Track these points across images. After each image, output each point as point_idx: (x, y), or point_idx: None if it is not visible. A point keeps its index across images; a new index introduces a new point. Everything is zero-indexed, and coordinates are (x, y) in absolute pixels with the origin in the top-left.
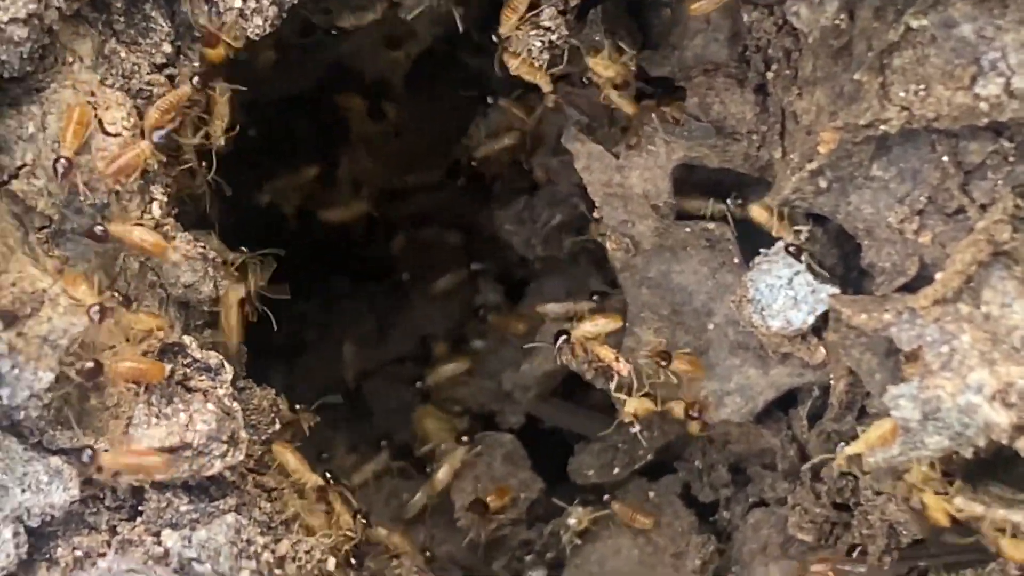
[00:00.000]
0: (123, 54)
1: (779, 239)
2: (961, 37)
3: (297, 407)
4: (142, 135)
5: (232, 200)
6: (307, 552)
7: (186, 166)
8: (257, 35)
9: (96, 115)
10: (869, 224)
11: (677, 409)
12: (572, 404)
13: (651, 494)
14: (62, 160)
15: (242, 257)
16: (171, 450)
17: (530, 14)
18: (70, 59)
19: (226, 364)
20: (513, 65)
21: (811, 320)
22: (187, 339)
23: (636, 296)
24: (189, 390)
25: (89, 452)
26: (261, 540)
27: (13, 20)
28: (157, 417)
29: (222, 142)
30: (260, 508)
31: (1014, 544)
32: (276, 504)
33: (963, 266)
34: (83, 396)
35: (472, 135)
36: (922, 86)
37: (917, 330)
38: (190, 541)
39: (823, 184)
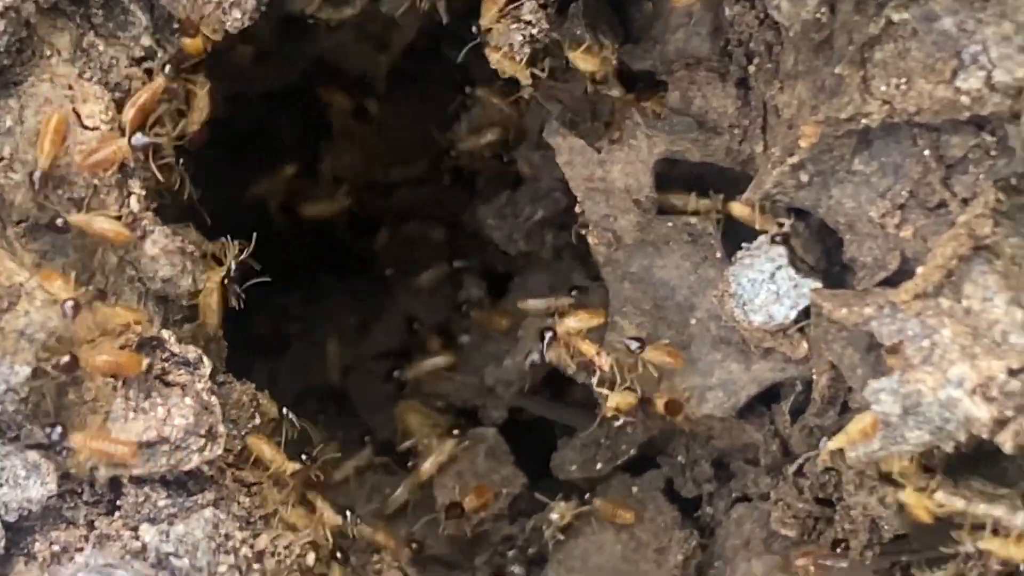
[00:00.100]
0: (101, 47)
1: (761, 234)
2: (942, 30)
3: (284, 411)
4: (120, 128)
5: (217, 195)
6: (286, 547)
7: (165, 161)
8: (236, 28)
9: (74, 108)
10: (850, 218)
11: (660, 403)
12: (555, 398)
13: (634, 489)
14: (39, 173)
15: (221, 247)
16: (148, 444)
17: (511, 7)
18: (48, 52)
19: (204, 359)
20: (494, 59)
21: (793, 314)
22: (165, 333)
23: (618, 291)
24: (167, 384)
25: (60, 429)
26: (239, 535)
27: None
28: (135, 411)
29: (196, 127)
30: (239, 503)
31: (995, 540)
32: (255, 499)
33: (944, 260)
34: (61, 390)
35: (455, 130)
36: (903, 80)
37: (898, 324)
38: (168, 536)
39: (804, 178)
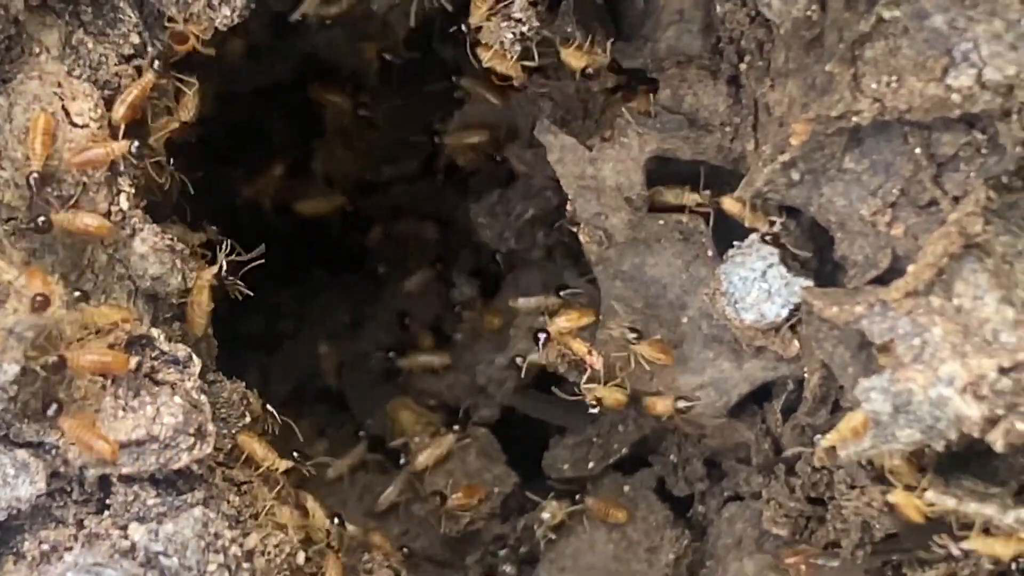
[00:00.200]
0: (90, 45)
1: (752, 232)
2: (933, 28)
3: (265, 406)
4: (110, 126)
5: (207, 192)
6: (276, 546)
7: (155, 159)
8: (225, 25)
9: (63, 106)
10: (842, 216)
11: (661, 405)
12: (548, 396)
13: (626, 488)
14: (34, 175)
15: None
16: (137, 443)
17: (500, 5)
18: (37, 50)
19: (194, 357)
20: (485, 57)
21: (785, 313)
22: (155, 332)
23: (610, 289)
24: (156, 383)
25: (56, 407)
26: (229, 534)
27: None
28: (124, 410)
29: (180, 124)
30: (228, 502)
31: (978, 539)
32: (245, 498)
33: (935, 258)
34: (50, 390)
35: (446, 125)
36: (894, 77)
37: (889, 323)
38: (157, 535)
39: (795, 176)
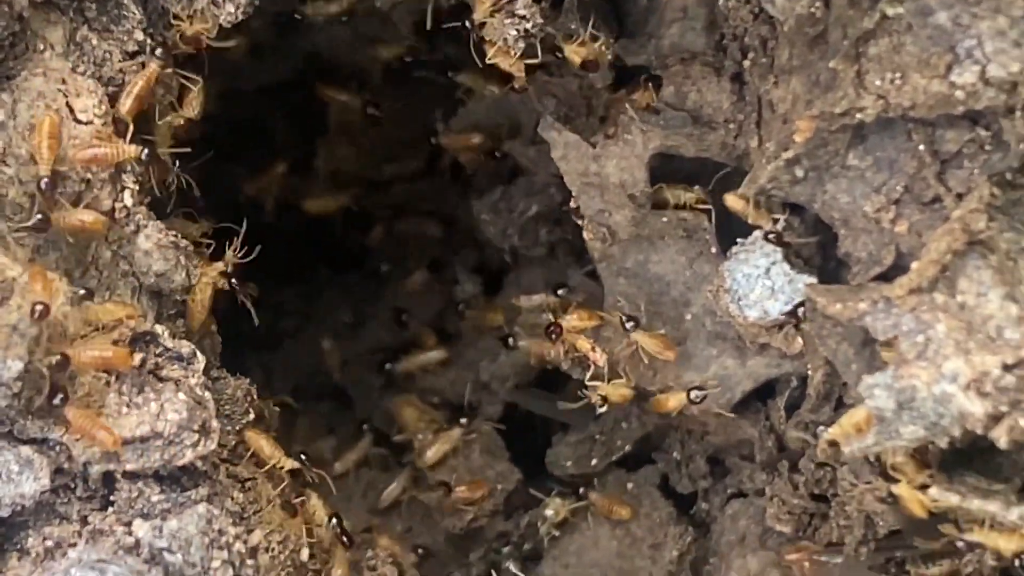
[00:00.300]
0: (95, 41)
1: (756, 229)
2: (937, 25)
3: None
4: (115, 122)
5: (211, 190)
6: (280, 543)
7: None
8: (229, 22)
9: (67, 103)
10: (845, 213)
11: (673, 400)
12: (550, 393)
13: (629, 485)
14: (44, 180)
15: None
16: (141, 439)
17: (504, 2)
18: (41, 47)
19: (198, 354)
20: (489, 53)
21: (788, 310)
22: (159, 328)
23: (613, 286)
24: (160, 379)
25: (62, 396)
26: (233, 530)
27: None
28: (128, 406)
29: (189, 116)
30: (232, 498)
31: (987, 532)
32: (249, 494)
33: (939, 255)
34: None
35: (444, 126)
36: (898, 74)
37: (893, 319)
38: (161, 531)
39: (799, 173)
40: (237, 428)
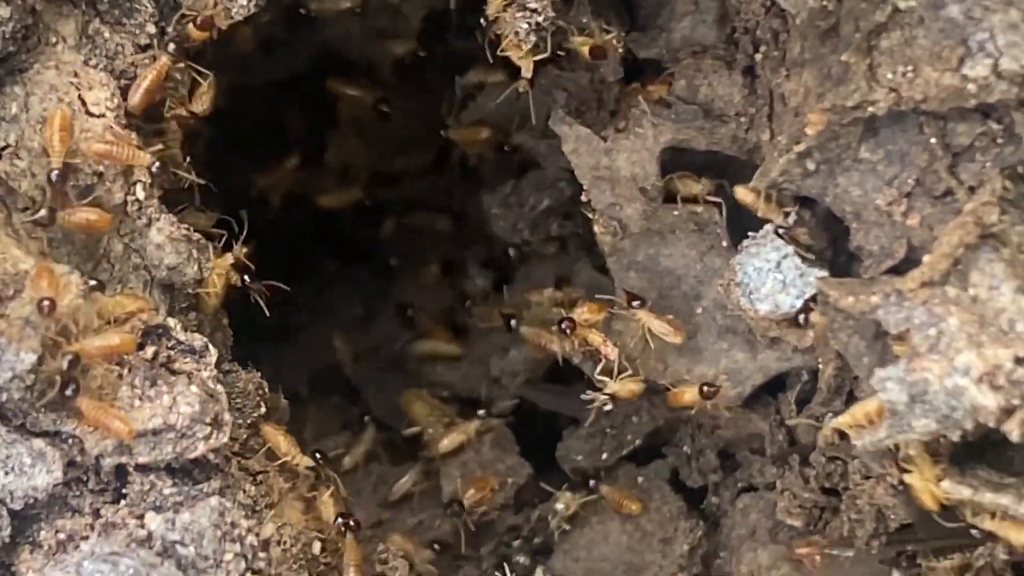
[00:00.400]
0: (107, 34)
1: (767, 222)
2: (949, 18)
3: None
4: (127, 115)
5: (221, 183)
6: (292, 536)
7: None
8: (241, 15)
9: (80, 96)
10: (857, 207)
11: (689, 395)
12: (561, 387)
13: (640, 479)
14: (55, 171)
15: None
16: (154, 432)
17: None
18: (53, 40)
19: (210, 347)
20: (503, 44)
21: (799, 304)
22: (171, 321)
23: (624, 280)
24: (173, 372)
25: (74, 387)
26: (245, 523)
27: None
28: (140, 399)
29: (199, 111)
30: (244, 491)
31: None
32: (261, 487)
33: (951, 248)
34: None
35: (454, 120)
36: (910, 67)
37: (905, 313)
38: (174, 524)
39: (811, 166)
40: (249, 421)
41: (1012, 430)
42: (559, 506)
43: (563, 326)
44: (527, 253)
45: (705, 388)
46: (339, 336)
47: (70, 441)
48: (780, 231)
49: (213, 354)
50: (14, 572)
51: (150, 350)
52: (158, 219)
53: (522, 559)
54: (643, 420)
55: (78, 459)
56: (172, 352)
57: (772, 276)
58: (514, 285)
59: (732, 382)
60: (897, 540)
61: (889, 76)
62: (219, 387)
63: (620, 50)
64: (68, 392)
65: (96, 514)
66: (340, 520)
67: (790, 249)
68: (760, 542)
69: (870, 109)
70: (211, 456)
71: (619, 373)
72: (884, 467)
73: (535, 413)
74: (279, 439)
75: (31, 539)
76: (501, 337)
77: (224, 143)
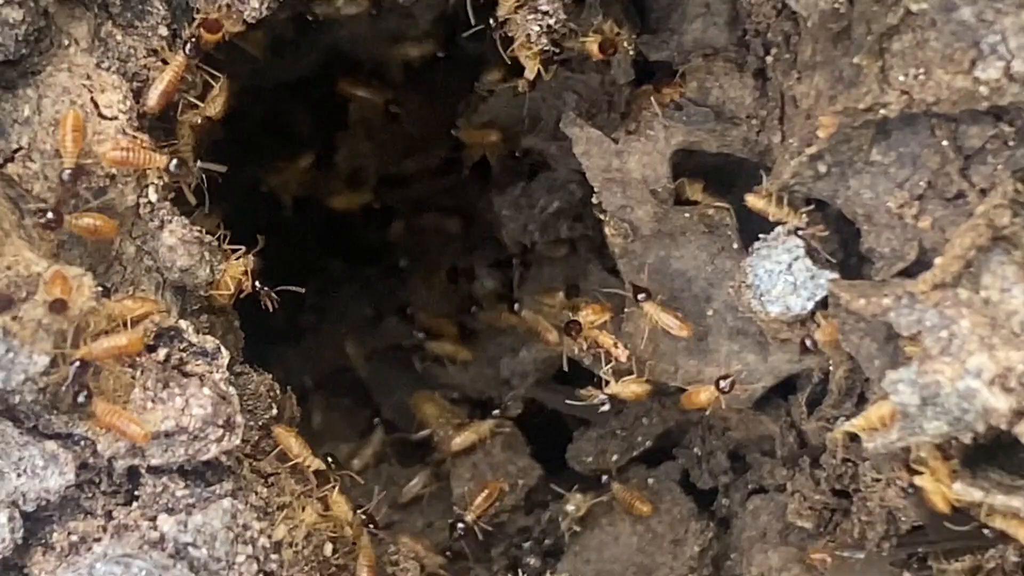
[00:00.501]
0: (119, 37)
1: (778, 224)
2: (961, 20)
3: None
4: (140, 117)
5: (230, 184)
6: (304, 538)
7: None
8: (253, 18)
9: (92, 98)
10: (868, 209)
11: (705, 394)
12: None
13: (650, 481)
14: (67, 171)
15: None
16: (166, 434)
17: None
18: (66, 42)
19: (222, 349)
20: (515, 45)
21: (810, 306)
22: (183, 323)
23: (635, 282)
24: (185, 375)
25: (87, 393)
26: (257, 525)
27: (8, 2)
28: (153, 401)
29: (211, 115)
30: (257, 493)
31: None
32: (273, 489)
33: (962, 251)
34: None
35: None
36: (922, 70)
37: (916, 315)
38: (186, 526)
39: (822, 169)
40: (260, 423)
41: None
42: (569, 507)
43: (569, 329)
44: (536, 257)
45: (721, 381)
46: (351, 341)
47: (82, 443)
48: (798, 232)
49: (225, 356)
50: (27, 574)
51: (162, 352)
52: (170, 221)
53: (533, 561)
54: (653, 422)
55: (90, 461)
56: (184, 354)
57: (783, 278)
58: (524, 287)
59: (742, 384)
60: (908, 542)
61: (901, 78)
62: (231, 389)
63: (631, 52)
64: (80, 399)
65: (108, 516)
66: (361, 514)
67: (801, 251)
68: (770, 544)
69: (882, 111)
70: (223, 458)
71: (627, 375)
72: (895, 469)
73: (545, 414)
74: (291, 441)
75: (43, 541)
76: (511, 338)
77: (232, 144)
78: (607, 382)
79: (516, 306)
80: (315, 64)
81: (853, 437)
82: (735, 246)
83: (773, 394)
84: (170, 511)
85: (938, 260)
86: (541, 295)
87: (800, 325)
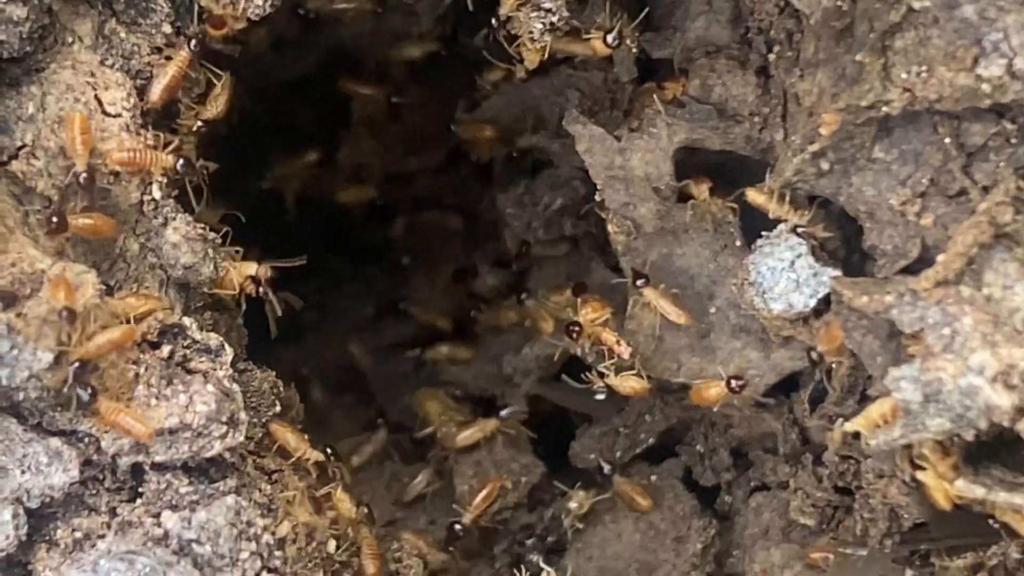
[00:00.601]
0: (123, 34)
1: (780, 222)
2: (963, 18)
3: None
4: (143, 114)
5: (233, 182)
6: (308, 534)
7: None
8: (257, 16)
9: (96, 95)
10: (871, 206)
11: (715, 390)
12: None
13: (653, 478)
14: (83, 176)
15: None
16: (170, 431)
17: None
18: (70, 39)
19: (226, 346)
20: (518, 41)
21: (813, 303)
22: (187, 320)
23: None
24: (189, 372)
25: (90, 391)
26: (261, 522)
27: (12, 0)
28: (157, 398)
29: (214, 114)
30: (260, 490)
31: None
32: (276, 486)
33: (965, 248)
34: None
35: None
36: (924, 67)
37: (919, 312)
38: (190, 523)
39: (825, 166)
40: (264, 420)
41: None
42: (572, 505)
43: (570, 330)
44: (539, 252)
45: (733, 381)
46: (355, 343)
47: (86, 440)
48: (800, 230)
49: (229, 353)
50: (31, 570)
51: (166, 349)
52: (174, 218)
53: (535, 558)
54: (656, 419)
55: (94, 458)
56: (188, 351)
57: (786, 275)
58: (526, 285)
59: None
60: (910, 539)
61: (903, 76)
62: (235, 386)
63: (634, 49)
64: (84, 397)
65: (112, 513)
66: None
67: (804, 249)
68: (773, 541)
69: (884, 109)
70: (227, 455)
71: (626, 370)
72: (898, 464)
73: (548, 412)
74: (287, 435)
75: (48, 538)
76: (513, 336)
77: (234, 142)
78: (605, 374)
79: (523, 295)
80: (318, 62)
81: (854, 435)
82: (738, 243)
83: (776, 391)
84: (174, 508)
85: (940, 257)
86: (548, 292)
87: (803, 323)
